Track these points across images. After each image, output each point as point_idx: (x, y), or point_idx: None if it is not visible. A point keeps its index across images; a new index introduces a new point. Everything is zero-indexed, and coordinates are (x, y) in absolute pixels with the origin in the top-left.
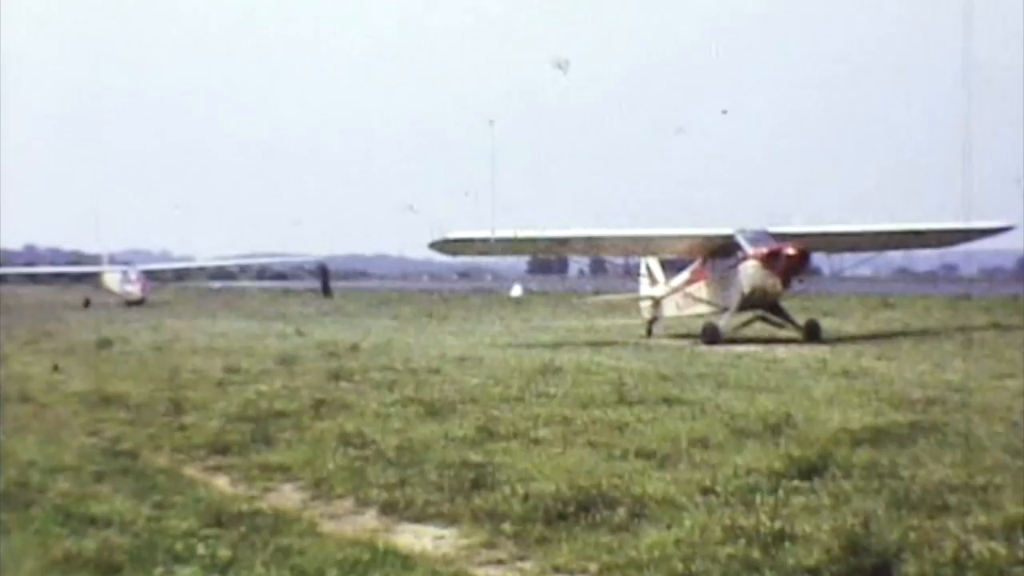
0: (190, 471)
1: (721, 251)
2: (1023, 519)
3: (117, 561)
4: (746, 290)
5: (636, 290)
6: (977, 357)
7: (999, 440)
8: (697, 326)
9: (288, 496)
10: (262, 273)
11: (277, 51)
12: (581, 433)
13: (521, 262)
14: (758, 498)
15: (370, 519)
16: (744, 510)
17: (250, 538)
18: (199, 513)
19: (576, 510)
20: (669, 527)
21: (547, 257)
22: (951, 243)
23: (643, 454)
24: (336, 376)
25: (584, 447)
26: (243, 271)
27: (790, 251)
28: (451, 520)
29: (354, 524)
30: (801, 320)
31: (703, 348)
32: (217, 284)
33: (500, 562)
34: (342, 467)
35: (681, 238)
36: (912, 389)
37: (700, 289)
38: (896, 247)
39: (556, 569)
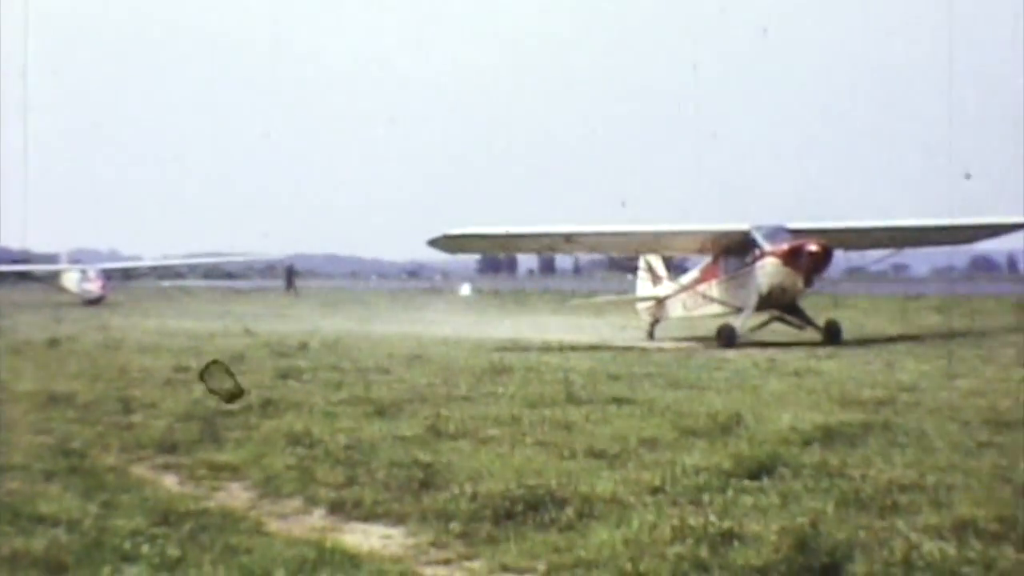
0: (138, 470)
1: (736, 248)
2: (974, 519)
3: (65, 560)
4: (764, 289)
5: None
6: (928, 357)
7: (950, 440)
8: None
9: (236, 495)
10: (210, 272)
11: (224, 47)
12: (530, 432)
13: (471, 261)
14: (707, 497)
15: (318, 518)
16: (693, 509)
17: (198, 537)
18: (147, 512)
19: (524, 509)
20: (618, 526)
21: (496, 256)
22: (974, 239)
23: (592, 453)
24: (285, 375)
25: (533, 446)
26: (192, 270)
27: (813, 248)
28: (399, 519)
29: (302, 523)
30: (821, 321)
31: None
32: (166, 283)
33: (448, 561)
34: (290, 466)
35: (693, 234)
36: (862, 389)
37: (712, 288)
38: (918, 244)
39: (504, 568)
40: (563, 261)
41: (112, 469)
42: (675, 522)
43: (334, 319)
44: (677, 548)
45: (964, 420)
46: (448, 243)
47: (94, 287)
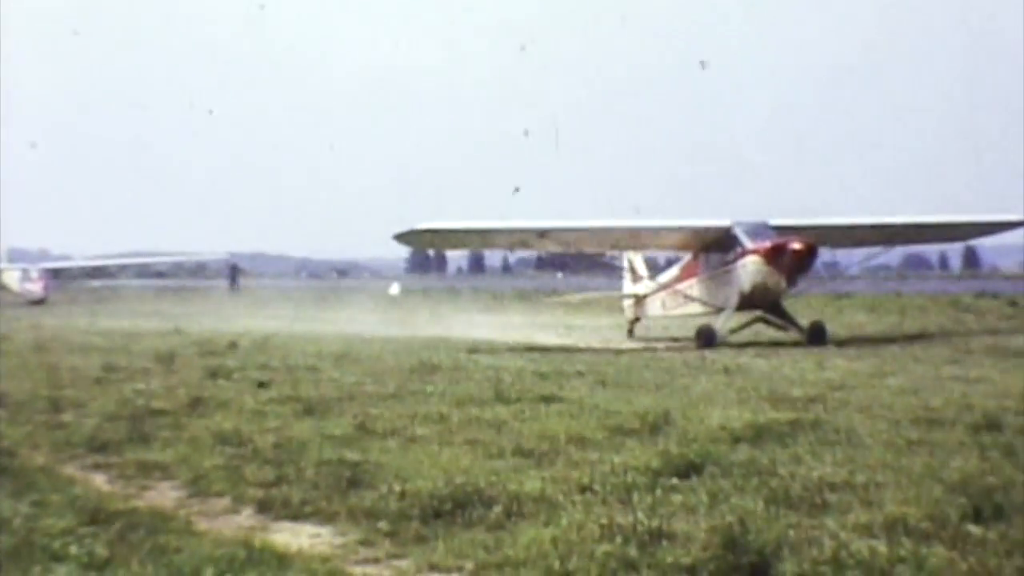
0: (68, 469)
1: (716, 245)
2: (904, 518)
3: None
4: (746, 288)
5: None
6: (859, 355)
7: (880, 438)
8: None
9: (165, 494)
10: (141, 272)
11: (161, 49)
12: (458, 431)
13: (400, 260)
14: (636, 496)
15: (246, 517)
16: (622, 508)
17: (127, 536)
18: (76, 511)
19: (453, 508)
20: (546, 525)
21: (426, 255)
22: (964, 237)
23: (520, 452)
24: (214, 374)
25: (461, 445)
26: (122, 270)
27: (796, 245)
28: (327, 518)
29: (230, 522)
30: (805, 322)
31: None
32: (96, 283)
33: (376, 560)
34: (219, 465)
35: (672, 230)
36: (792, 387)
37: (692, 287)
38: (906, 241)
39: (432, 567)
40: (492, 259)
41: (42, 469)
42: (604, 521)
43: (263, 318)
44: (606, 547)
45: (894, 418)
46: (417, 238)
47: (36, 287)
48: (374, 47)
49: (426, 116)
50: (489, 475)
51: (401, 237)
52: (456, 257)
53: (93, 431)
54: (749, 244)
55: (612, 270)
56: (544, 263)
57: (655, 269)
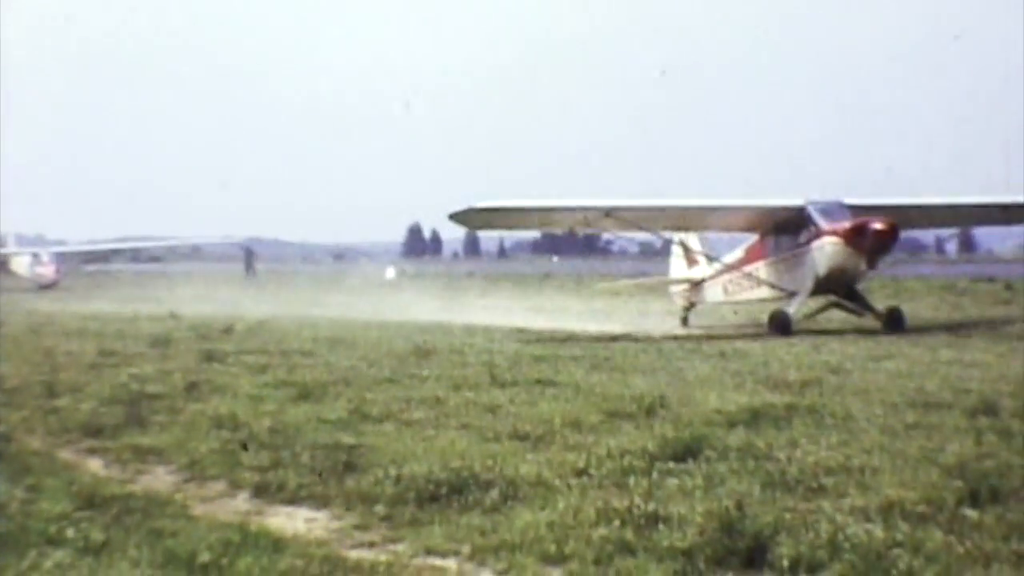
0: (63, 454)
1: (788, 226)
2: (900, 501)
3: None
4: (822, 271)
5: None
6: (855, 339)
7: (876, 422)
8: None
9: (161, 479)
10: (136, 256)
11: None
12: (454, 415)
13: (395, 245)
14: (632, 480)
15: (242, 502)
16: (618, 492)
17: (123, 521)
18: (72, 496)
19: (448, 492)
20: (542, 509)
21: (421, 238)
22: None
23: (516, 436)
24: (209, 358)
25: (457, 429)
26: (116, 254)
27: (879, 226)
28: (323, 502)
29: (226, 507)
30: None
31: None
32: (90, 268)
33: (372, 544)
34: (215, 450)
35: (741, 210)
36: (788, 370)
37: (759, 270)
38: (985, 222)
39: (428, 551)
40: (488, 244)
41: (37, 453)
42: (600, 504)
43: (259, 302)
44: (602, 531)
45: (891, 402)
46: (473, 217)
47: (47, 271)
48: (374, 35)
49: (426, 101)
50: (485, 459)
51: (456, 216)
52: (451, 241)
53: (89, 416)
54: (825, 224)
55: (608, 254)
56: (540, 247)
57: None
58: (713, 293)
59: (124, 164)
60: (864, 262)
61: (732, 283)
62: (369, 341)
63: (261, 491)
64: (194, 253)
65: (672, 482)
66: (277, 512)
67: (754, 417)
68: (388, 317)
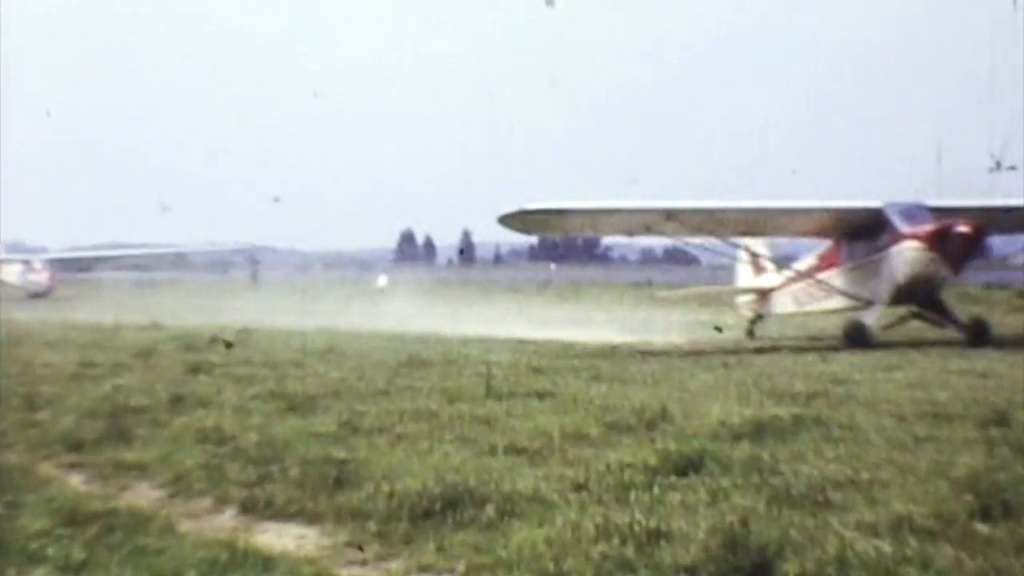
0: (44, 469)
1: (864, 229)
2: (910, 516)
3: None
4: (901, 279)
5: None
6: (863, 348)
7: (885, 434)
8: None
9: (144, 494)
10: (118, 264)
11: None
12: (448, 428)
13: (387, 252)
14: (633, 495)
15: (229, 518)
16: (618, 507)
17: (105, 538)
18: (52, 512)
19: (443, 508)
20: (540, 525)
21: (414, 245)
22: None
23: (513, 450)
24: (194, 370)
25: (451, 443)
26: (103, 261)
27: (963, 229)
28: (313, 519)
29: (213, 523)
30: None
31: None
32: (71, 275)
33: (364, 562)
34: (200, 464)
35: (813, 212)
36: (794, 381)
37: (832, 278)
38: None
39: (422, 569)
40: (484, 251)
41: (16, 468)
42: (599, 520)
43: (246, 311)
44: (602, 547)
45: (900, 413)
46: (523, 220)
47: (41, 279)
48: (364, 37)
49: (415, 107)
50: (481, 473)
51: (505, 219)
52: (445, 248)
53: (69, 429)
54: (905, 228)
55: (607, 261)
56: (537, 254)
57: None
58: (783, 303)
59: (107, 169)
60: (947, 269)
61: (803, 292)
62: (361, 351)
63: (249, 507)
64: (179, 260)
65: (674, 497)
66: (265, 529)
67: (759, 429)
68: (380, 326)
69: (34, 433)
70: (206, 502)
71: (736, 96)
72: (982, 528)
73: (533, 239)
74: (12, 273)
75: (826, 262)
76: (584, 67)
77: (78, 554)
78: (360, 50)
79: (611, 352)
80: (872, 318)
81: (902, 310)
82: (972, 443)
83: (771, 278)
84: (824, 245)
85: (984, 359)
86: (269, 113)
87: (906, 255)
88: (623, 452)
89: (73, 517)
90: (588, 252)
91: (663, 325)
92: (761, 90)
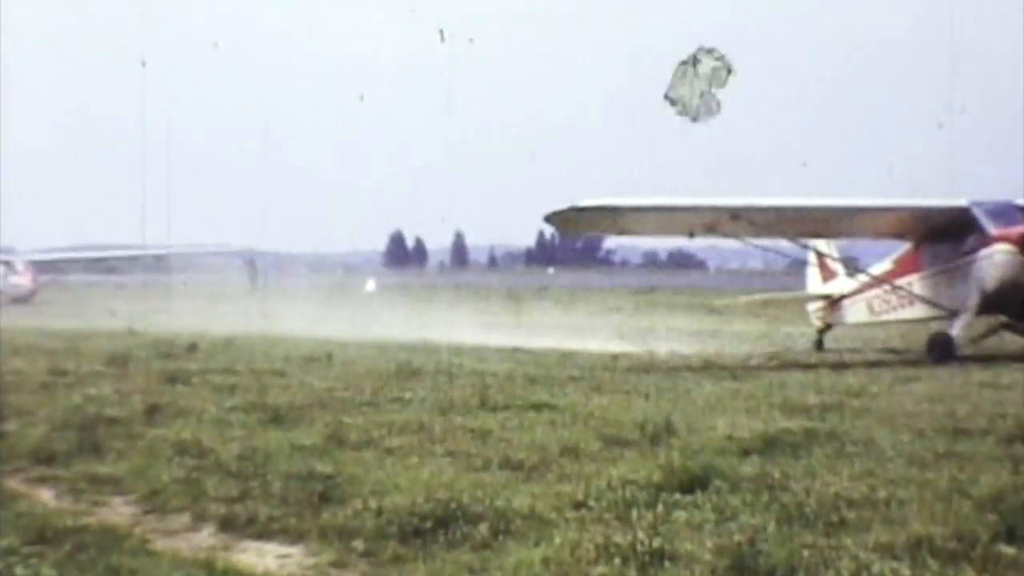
0: (11, 483)
1: (947, 231)
2: (929, 537)
3: None
4: (990, 286)
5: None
6: (880, 358)
7: (903, 450)
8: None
9: (118, 510)
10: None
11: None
12: (440, 442)
13: (376, 255)
14: (635, 513)
15: (208, 536)
16: (620, 526)
17: (76, 557)
18: (20, 529)
19: (434, 526)
20: (536, 544)
21: (404, 248)
22: None
23: (508, 465)
24: (172, 379)
25: (443, 457)
26: (89, 262)
27: None
28: (297, 537)
29: (190, 541)
30: None
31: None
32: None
33: None
34: (178, 479)
35: (891, 212)
36: (806, 393)
37: (913, 284)
38: None
39: None
40: (477, 254)
41: None
42: (600, 540)
43: (225, 317)
44: (602, 568)
45: (919, 428)
46: (575, 218)
47: (24, 282)
48: (347, 30)
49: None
50: (474, 490)
51: (555, 217)
52: (437, 251)
53: (39, 441)
54: (994, 229)
55: (609, 265)
56: (534, 257)
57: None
58: (855, 312)
59: (81, 168)
60: None
61: (879, 300)
62: (347, 360)
63: (228, 524)
64: (176, 262)
65: (679, 515)
66: (246, 547)
67: (769, 444)
68: (368, 333)
69: (1, 446)
70: (183, 519)
71: (744, 86)
72: (1006, 550)
73: (530, 241)
74: None
75: (904, 267)
76: (588, 62)
77: (48, 573)
78: (346, 44)
79: (612, 362)
80: (959, 329)
81: (991, 320)
82: (995, 460)
83: (841, 284)
84: (904, 248)
85: (1009, 371)
86: (253, 111)
87: (996, 259)
88: (625, 468)
89: (43, 534)
90: (588, 256)
91: (666, 334)
92: (771, 78)
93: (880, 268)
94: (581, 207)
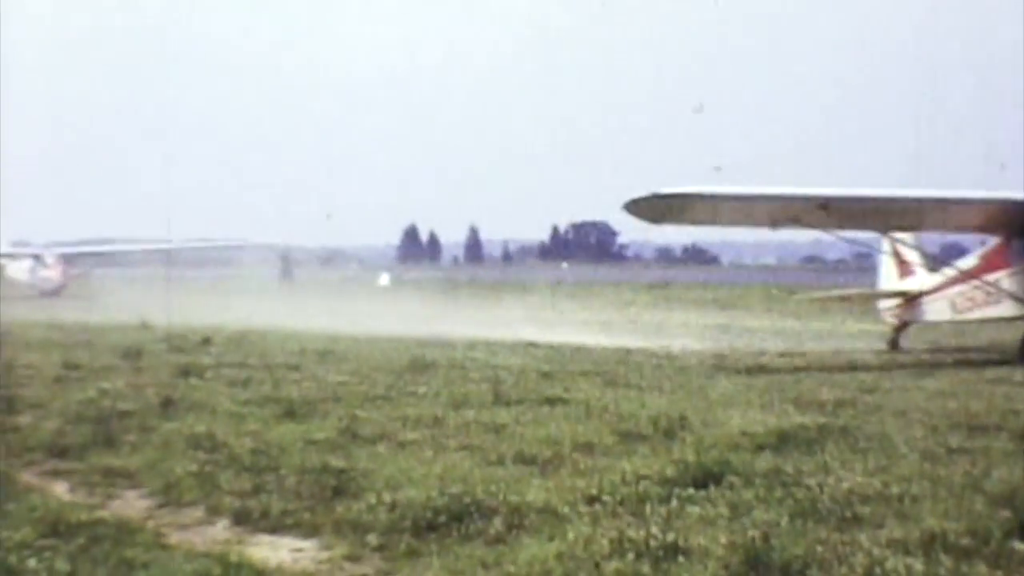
0: (25, 476)
1: None
2: (943, 532)
3: None
4: None
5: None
6: (894, 355)
7: (917, 446)
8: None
9: (132, 504)
10: (112, 260)
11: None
12: (454, 436)
13: (390, 249)
14: (649, 508)
15: (222, 529)
16: (633, 521)
17: (90, 550)
18: (35, 522)
19: (448, 520)
20: (550, 539)
21: (418, 241)
22: None
23: (522, 459)
24: (185, 372)
25: (457, 451)
26: (116, 255)
27: None
28: (311, 531)
29: (204, 535)
30: None
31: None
32: (74, 271)
33: None
34: (191, 472)
35: (985, 204)
36: (820, 389)
37: (1002, 281)
38: None
39: None
40: (491, 248)
41: None
42: (613, 535)
43: (239, 311)
44: (616, 563)
45: (932, 424)
46: (657, 206)
47: (53, 275)
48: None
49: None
50: (488, 484)
51: (635, 204)
52: (451, 245)
53: (53, 435)
54: None
55: (622, 260)
56: (548, 252)
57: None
58: (936, 309)
59: (95, 162)
60: None
61: (963, 298)
62: (361, 354)
63: (242, 518)
64: (184, 257)
65: (693, 510)
66: (260, 541)
67: (782, 440)
68: (382, 327)
69: (15, 439)
70: (197, 512)
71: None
72: (1020, 546)
73: (544, 235)
74: (21, 270)
75: (990, 263)
76: (595, 59)
77: (62, 566)
78: (363, 42)
79: (626, 356)
80: None
81: None
82: (1009, 456)
83: (921, 280)
84: (992, 242)
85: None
86: (268, 106)
87: None
88: (638, 462)
89: (56, 527)
90: (602, 250)
91: (681, 329)
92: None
93: (965, 264)
94: (663, 194)
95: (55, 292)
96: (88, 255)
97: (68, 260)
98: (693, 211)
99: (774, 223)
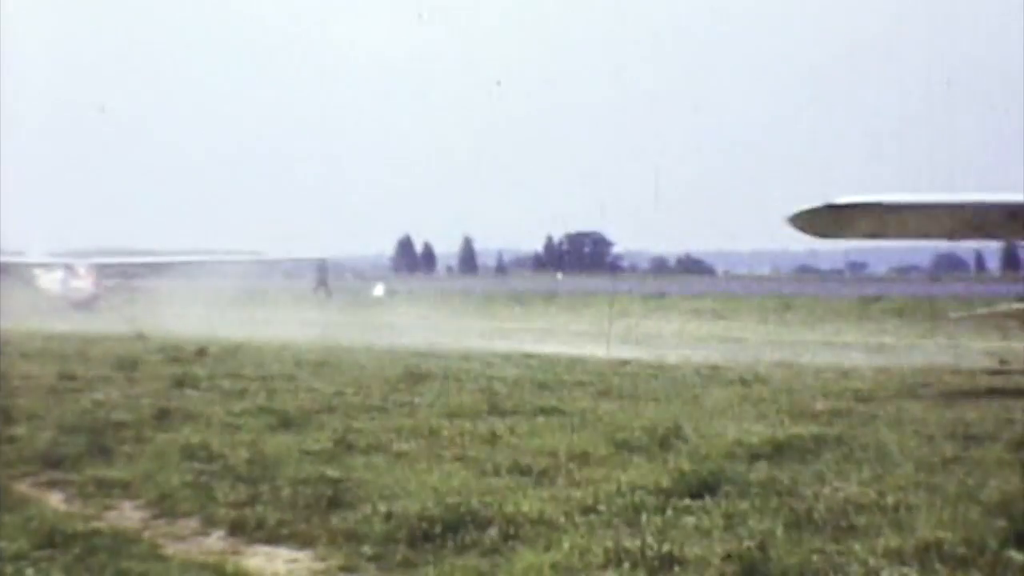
0: (20, 487)
1: None
2: (939, 542)
3: None
4: None
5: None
6: (888, 363)
7: (912, 455)
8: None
9: (128, 514)
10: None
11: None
12: (449, 446)
13: (384, 259)
14: (644, 518)
15: (217, 540)
16: (629, 531)
17: (86, 561)
18: (31, 533)
19: (443, 531)
20: (546, 550)
21: (412, 252)
22: None
23: (517, 469)
24: (181, 383)
25: (452, 462)
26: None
27: None
28: (306, 541)
29: (200, 545)
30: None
31: None
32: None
33: None
34: (187, 483)
35: None
36: (815, 399)
37: None
38: None
39: None
40: (485, 259)
41: None
42: (609, 545)
43: (234, 322)
44: (611, 574)
45: (927, 433)
46: (826, 218)
47: (85, 285)
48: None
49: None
50: (483, 494)
51: (802, 217)
52: (445, 256)
53: (48, 445)
54: None
55: (617, 271)
56: (542, 262)
57: None
58: None
59: (97, 172)
60: None
61: None
62: (356, 364)
63: (238, 529)
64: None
65: (688, 520)
66: (255, 552)
67: (778, 450)
68: (377, 338)
69: (10, 450)
70: (192, 523)
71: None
72: (1016, 556)
73: (538, 246)
74: (52, 280)
75: None
76: (590, 64)
77: None
78: (354, 48)
79: (621, 367)
80: None
81: None
82: (1004, 465)
83: None
84: None
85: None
86: (259, 116)
87: None
88: (634, 473)
89: (52, 538)
90: (596, 261)
91: (675, 340)
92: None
93: None
94: (837, 205)
95: (88, 304)
96: (126, 265)
97: (102, 271)
98: (868, 222)
99: (953, 234)
